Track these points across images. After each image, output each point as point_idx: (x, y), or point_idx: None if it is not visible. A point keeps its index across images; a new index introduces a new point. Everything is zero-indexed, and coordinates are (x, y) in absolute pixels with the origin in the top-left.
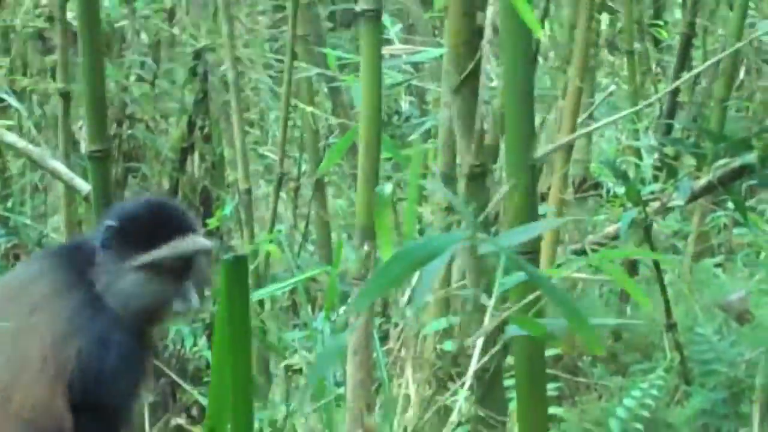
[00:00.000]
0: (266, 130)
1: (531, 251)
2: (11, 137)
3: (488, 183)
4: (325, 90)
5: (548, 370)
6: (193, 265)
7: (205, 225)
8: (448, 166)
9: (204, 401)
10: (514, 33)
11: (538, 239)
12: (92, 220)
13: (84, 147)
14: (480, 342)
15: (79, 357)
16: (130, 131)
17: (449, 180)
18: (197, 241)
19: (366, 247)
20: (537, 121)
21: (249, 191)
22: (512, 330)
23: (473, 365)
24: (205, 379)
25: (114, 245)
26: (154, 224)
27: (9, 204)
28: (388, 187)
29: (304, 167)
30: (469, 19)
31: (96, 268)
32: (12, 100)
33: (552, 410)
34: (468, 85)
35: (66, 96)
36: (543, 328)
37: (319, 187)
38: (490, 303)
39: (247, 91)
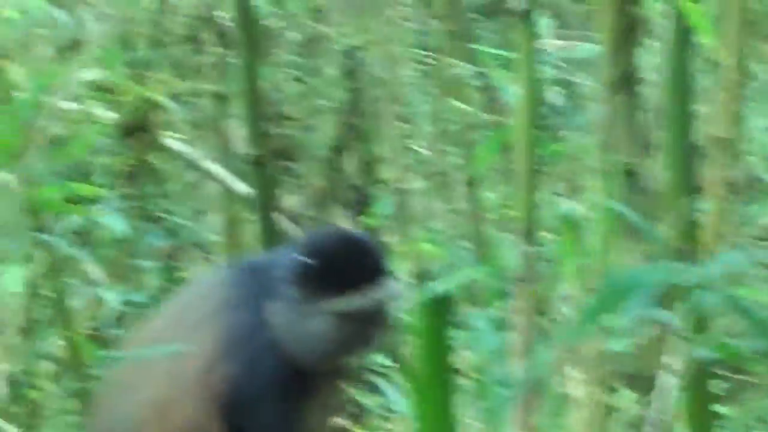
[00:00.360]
0: (415, 123)
1: (689, 250)
2: (173, 143)
3: (644, 179)
4: (475, 84)
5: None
6: (383, 311)
7: (360, 224)
8: (605, 163)
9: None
10: (672, 27)
11: (695, 237)
12: (251, 221)
13: (238, 147)
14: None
15: (228, 381)
16: (283, 130)
17: (605, 177)
18: (394, 288)
19: (526, 248)
20: None
21: (404, 189)
22: (701, 352)
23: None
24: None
25: (304, 283)
26: (351, 268)
27: (165, 205)
28: (571, 208)
29: (455, 162)
30: (623, 14)
31: (276, 301)
32: (168, 103)
33: (716, 408)
34: (624, 80)
35: (220, 98)
36: (735, 351)
37: (472, 182)
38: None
39: (395, 87)
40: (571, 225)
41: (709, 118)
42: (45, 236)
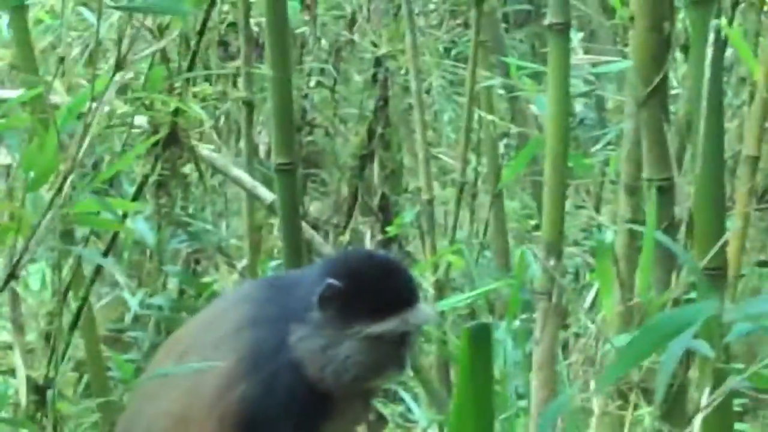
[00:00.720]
0: (439, 131)
1: (718, 267)
2: (200, 148)
3: (675, 194)
4: (501, 92)
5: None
6: (414, 334)
7: (384, 232)
8: (632, 178)
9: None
10: (703, 46)
11: (725, 254)
12: (274, 228)
13: (263, 151)
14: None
15: (244, 400)
16: (309, 137)
17: (632, 191)
18: (425, 312)
19: (551, 262)
20: None
21: (431, 201)
22: (734, 383)
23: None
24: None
25: (334, 306)
26: (383, 292)
27: (190, 210)
28: (608, 235)
29: (480, 169)
30: (655, 33)
31: (302, 323)
32: (195, 107)
33: (736, 426)
34: (654, 97)
35: (249, 105)
36: None
37: (497, 193)
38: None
39: (423, 96)
40: (606, 252)
41: (737, 135)
42: (72, 247)
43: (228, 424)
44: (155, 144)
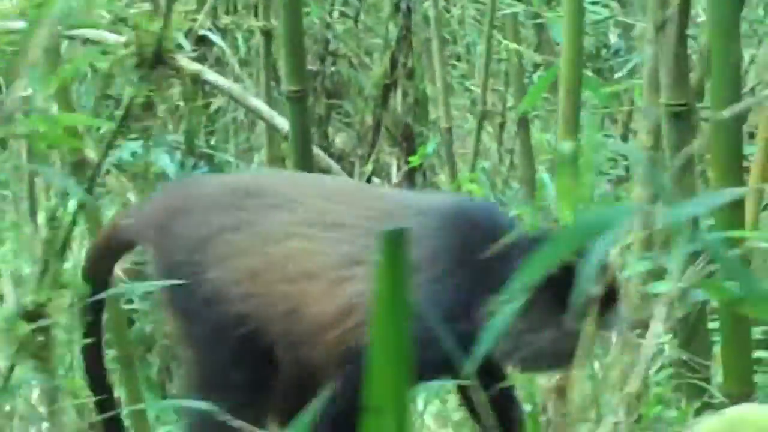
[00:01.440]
0: (472, 63)
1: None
2: (212, 75)
3: (693, 122)
4: (529, 23)
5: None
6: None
7: (407, 162)
8: (653, 104)
9: None
10: None
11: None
12: (292, 159)
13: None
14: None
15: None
16: (333, 68)
17: (649, 117)
18: (623, 312)
19: None
20: (746, 57)
21: (450, 130)
22: (698, 294)
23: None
24: None
25: (548, 295)
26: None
27: (213, 141)
28: (568, 145)
29: (509, 102)
30: None
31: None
32: (215, 38)
33: (757, 354)
34: (673, 21)
35: (267, 34)
36: (728, 293)
37: (524, 123)
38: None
39: (453, 25)
40: (566, 161)
41: (758, 61)
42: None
43: (353, 333)
44: (140, 65)
